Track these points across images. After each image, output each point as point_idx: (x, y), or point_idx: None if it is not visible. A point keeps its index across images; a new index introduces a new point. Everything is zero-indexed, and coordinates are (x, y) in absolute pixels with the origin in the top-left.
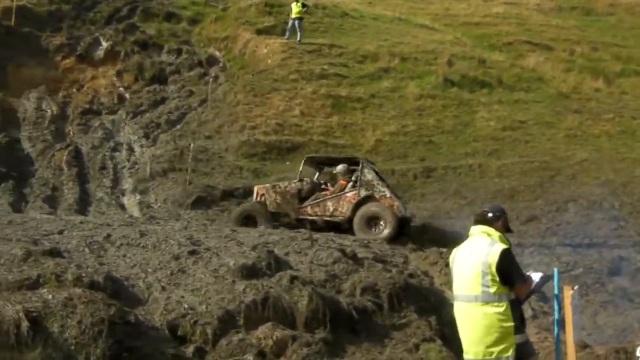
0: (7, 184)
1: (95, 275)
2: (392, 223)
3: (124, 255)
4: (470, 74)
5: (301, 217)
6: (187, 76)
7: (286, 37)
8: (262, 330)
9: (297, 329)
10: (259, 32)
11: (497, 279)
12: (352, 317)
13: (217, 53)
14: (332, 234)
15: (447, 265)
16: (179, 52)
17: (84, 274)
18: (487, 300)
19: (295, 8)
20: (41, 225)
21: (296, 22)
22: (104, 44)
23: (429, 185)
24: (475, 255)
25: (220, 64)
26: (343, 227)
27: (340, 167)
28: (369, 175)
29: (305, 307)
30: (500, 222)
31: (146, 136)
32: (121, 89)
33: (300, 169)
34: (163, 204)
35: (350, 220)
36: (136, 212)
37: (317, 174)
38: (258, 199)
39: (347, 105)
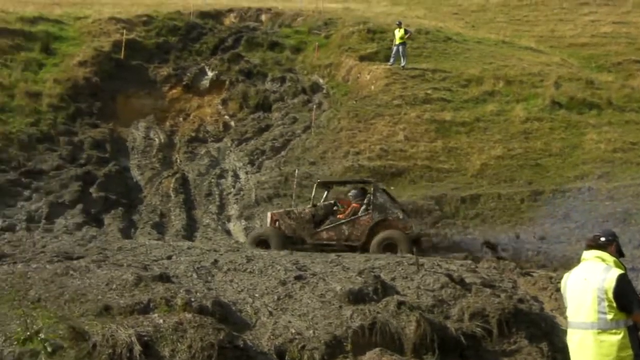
0: (117, 210)
1: (203, 300)
2: (406, 245)
3: (231, 281)
4: (578, 95)
5: (317, 242)
6: (290, 103)
7: (390, 62)
8: (370, 355)
9: (405, 354)
10: (362, 58)
11: (614, 305)
12: (461, 343)
13: (321, 80)
14: (438, 258)
15: (558, 290)
16: (282, 80)
17: (193, 299)
18: (603, 327)
19: (398, 34)
20: (150, 251)
21: (400, 48)
22: (210, 74)
23: (537, 209)
24: (590, 281)
25: (324, 91)
26: (358, 249)
27: (353, 191)
28: (381, 198)
29: (413, 333)
30: (614, 246)
31: (251, 163)
32: (226, 117)
33: (313, 194)
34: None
35: (365, 243)
36: (242, 238)
37: (326, 193)
38: (272, 224)
39: (451, 129)
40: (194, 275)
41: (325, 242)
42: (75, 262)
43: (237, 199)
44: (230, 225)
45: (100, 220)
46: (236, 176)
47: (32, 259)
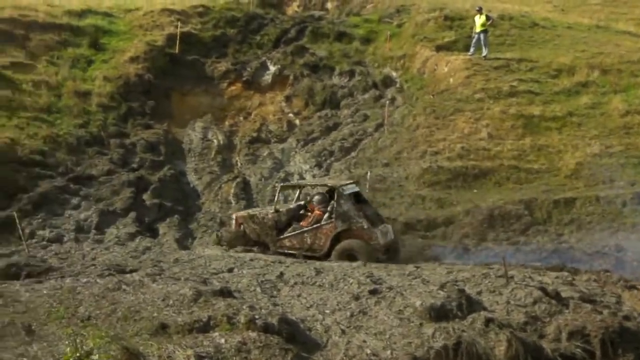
0: (173, 219)
1: (269, 317)
2: (366, 256)
3: (299, 295)
4: None
5: (279, 249)
6: (361, 99)
7: (470, 52)
8: None
9: None
10: (439, 48)
11: None
12: None
13: (394, 73)
14: (529, 270)
15: None
16: (351, 73)
17: (257, 316)
18: None
19: (479, 20)
20: (210, 263)
21: (481, 36)
22: (272, 68)
23: None
24: None
25: (397, 85)
26: (320, 259)
27: (316, 197)
28: (345, 205)
29: (503, 354)
30: None
31: (318, 165)
32: (290, 115)
33: (276, 198)
34: None
35: (328, 254)
36: None
37: (297, 195)
38: (237, 227)
39: (540, 125)
40: (258, 290)
41: (287, 251)
42: (128, 275)
43: None
44: None
45: (154, 230)
46: (302, 179)
47: (82, 272)
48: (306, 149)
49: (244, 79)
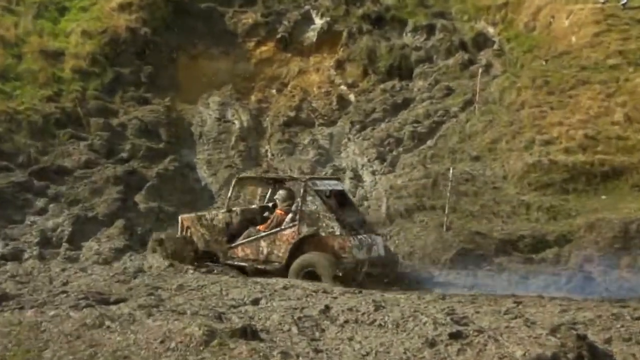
0: (176, 229)
1: None
2: (331, 275)
3: (351, 339)
4: None
5: (230, 261)
6: (442, 66)
7: None
8: None
9: None
10: None
11: None
12: None
13: (490, 29)
14: None
15: None
16: (430, 29)
17: None
18: None
19: None
20: (227, 292)
21: None
22: (317, 22)
23: None
24: None
25: (495, 46)
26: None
27: (280, 193)
28: (313, 204)
29: None
30: None
31: (380, 158)
32: (343, 87)
33: (230, 194)
34: (407, 259)
35: (288, 267)
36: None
37: (269, 193)
38: (183, 232)
39: None
40: (294, 330)
41: (238, 263)
42: (113, 307)
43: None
44: None
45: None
46: (358, 178)
47: (48, 302)
48: (363, 135)
49: (279, 36)
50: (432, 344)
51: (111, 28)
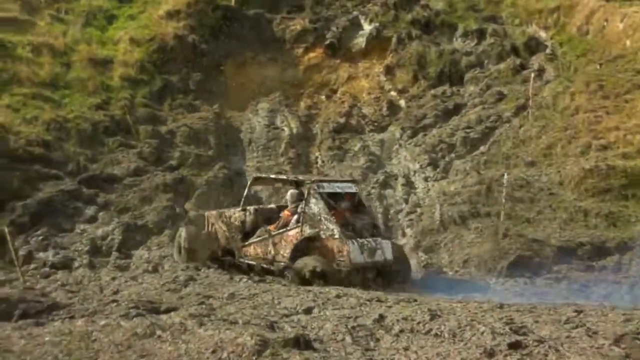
0: None
1: None
2: (327, 276)
3: (406, 349)
4: None
5: (243, 259)
6: (494, 71)
7: None
8: None
9: None
10: None
11: None
12: None
13: (542, 33)
14: None
15: None
16: (480, 34)
17: None
18: None
19: None
20: (279, 300)
21: None
22: (366, 28)
23: None
24: None
25: (548, 50)
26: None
27: (290, 193)
28: (315, 206)
29: None
30: None
31: (433, 164)
32: (393, 93)
33: (245, 193)
34: (462, 267)
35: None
36: (422, 281)
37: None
38: (209, 228)
39: None
40: (348, 340)
41: (249, 262)
42: (164, 317)
43: (411, 220)
44: None
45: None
46: (410, 184)
47: (99, 311)
48: (415, 141)
49: (327, 42)
50: (490, 354)
51: (159, 36)
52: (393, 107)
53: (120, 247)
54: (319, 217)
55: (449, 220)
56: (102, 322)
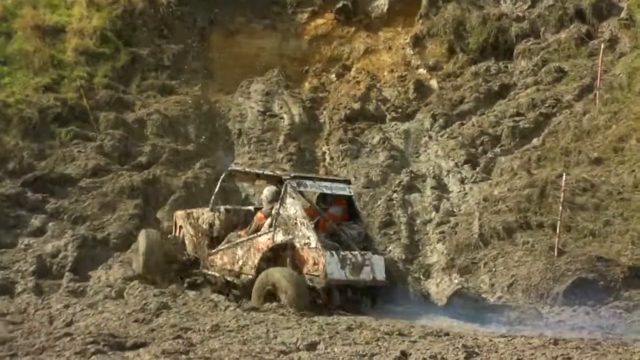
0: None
1: None
2: (294, 297)
3: None
4: None
5: (208, 271)
6: (552, 42)
7: None
8: None
9: None
10: None
11: None
12: None
13: None
14: None
15: None
16: None
17: None
18: None
19: None
20: (275, 333)
21: None
22: None
23: None
24: None
25: (623, 14)
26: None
27: (265, 192)
28: (291, 208)
29: None
30: None
31: (471, 161)
32: (422, 71)
33: (217, 189)
34: (506, 292)
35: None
36: (454, 309)
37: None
38: (177, 232)
39: None
40: None
41: (213, 274)
42: (130, 354)
43: (443, 232)
44: (430, 284)
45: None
46: (441, 188)
47: (48, 348)
48: (449, 132)
49: (339, 5)
50: None
51: None
52: (422, 88)
53: (75, 266)
54: (294, 221)
55: (491, 233)
56: None
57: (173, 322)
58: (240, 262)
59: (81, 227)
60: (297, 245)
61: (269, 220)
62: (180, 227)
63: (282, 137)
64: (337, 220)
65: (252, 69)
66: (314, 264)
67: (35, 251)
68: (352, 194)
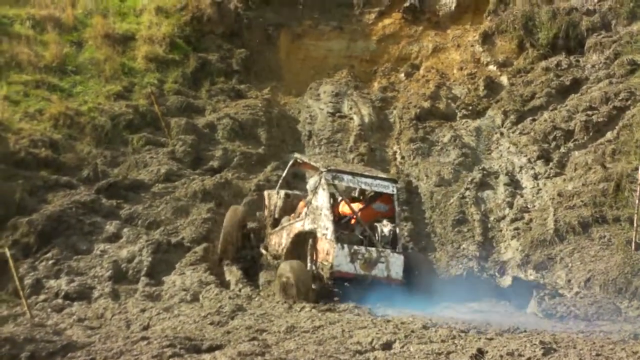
0: None
1: None
2: (299, 289)
3: None
4: None
5: (264, 251)
6: (624, 34)
7: None
8: None
9: None
10: None
11: None
12: None
13: None
14: None
15: None
16: None
17: None
18: None
19: None
20: (350, 333)
21: None
22: None
23: None
24: None
25: None
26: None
27: (311, 181)
28: (321, 198)
29: None
30: None
31: (544, 157)
32: (492, 67)
33: (284, 174)
34: (583, 288)
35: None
36: (531, 305)
37: None
38: (265, 210)
39: None
40: None
41: (266, 252)
42: (207, 357)
43: (517, 229)
44: (505, 280)
45: (251, 275)
46: (515, 183)
47: (126, 352)
48: (521, 128)
49: (407, 4)
50: None
51: (193, 3)
52: (492, 85)
53: (150, 271)
54: (319, 212)
55: (566, 229)
56: None
57: (248, 324)
58: (282, 246)
59: (155, 232)
60: (319, 234)
61: (306, 209)
62: (266, 206)
63: (352, 138)
64: (380, 216)
65: (321, 70)
66: (327, 254)
67: (111, 257)
68: (394, 192)
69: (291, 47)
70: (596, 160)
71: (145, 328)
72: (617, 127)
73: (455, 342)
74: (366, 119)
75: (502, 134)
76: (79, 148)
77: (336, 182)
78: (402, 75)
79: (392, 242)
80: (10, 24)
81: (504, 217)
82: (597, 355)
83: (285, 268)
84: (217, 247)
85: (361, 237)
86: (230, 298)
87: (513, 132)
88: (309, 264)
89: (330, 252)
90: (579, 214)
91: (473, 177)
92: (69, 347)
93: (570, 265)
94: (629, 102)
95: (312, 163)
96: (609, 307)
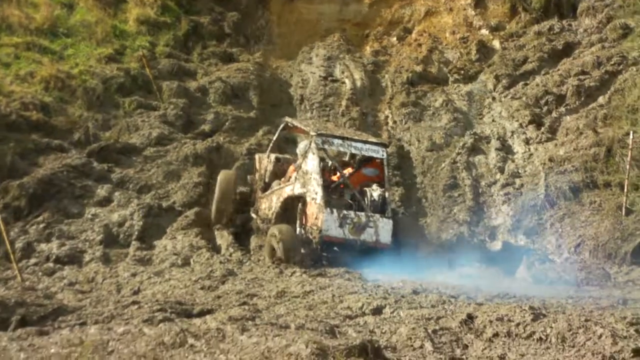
0: None
1: None
2: (286, 251)
3: (502, 357)
4: None
5: (254, 215)
6: None
7: None
8: None
9: None
10: None
11: None
12: None
13: None
14: None
15: None
16: None
17: None
18: None
19: None
20: (340, 298)
21: None
22: None
23: None
24: None
25: None
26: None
27: (301, 145)
28: (310, 163)
29: None
30: None
31: (536, 122)
32: (484, 31)
33: (275, 137)
34: (573, 253)
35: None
36: (521, 270)
37: None
38: (255, 173)
39: None
40: (428, 346)
41: (256, 216)
42: (197, 321)
43: (508, 194)
44: (495, 245)
45: (242, 239)
46: (506, 149)
47: (116, 316)
48: (513, 92)
49: None
50: None
51: None
52: (484, 49)
53: (141, 235)
54: (309, 176)
55: (557, 194)
56: (121, 329)
57: (239, 288)
58: (272, 210)
59: (146, 196)
60: (308, 199)
61: (295, 173)
62: (256, 170)
63: (344, 102)
64: (369, 181)
65: (313, 34)
66: (316, 218)
67: (102, 220)
68: (384, 157)
69: (283, 11)
70: (588, 125)
71: (136, 292)
72: (609, 92)
73: (445, 307)
74: (358, 83)
75: (494, 98)
76: (70, 111)
77: (326, 146)
78: (395, 39)
79: (381, 206)
80: None
81: (495, 182)
82: (586, 320)
83: (274, 232)
84: (210, 213)
85: (350, 201)
86: (221, 262)
87: (505, 97)
88: (298, 228)
89: (319, 217)
90: (570, 179)
91: (464, 142)
92: (60, 311)
93: (560, 230)
94: (621, 66)
95: (303, 127)
96: (598, 273)
